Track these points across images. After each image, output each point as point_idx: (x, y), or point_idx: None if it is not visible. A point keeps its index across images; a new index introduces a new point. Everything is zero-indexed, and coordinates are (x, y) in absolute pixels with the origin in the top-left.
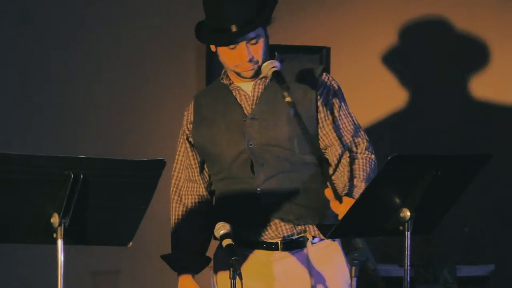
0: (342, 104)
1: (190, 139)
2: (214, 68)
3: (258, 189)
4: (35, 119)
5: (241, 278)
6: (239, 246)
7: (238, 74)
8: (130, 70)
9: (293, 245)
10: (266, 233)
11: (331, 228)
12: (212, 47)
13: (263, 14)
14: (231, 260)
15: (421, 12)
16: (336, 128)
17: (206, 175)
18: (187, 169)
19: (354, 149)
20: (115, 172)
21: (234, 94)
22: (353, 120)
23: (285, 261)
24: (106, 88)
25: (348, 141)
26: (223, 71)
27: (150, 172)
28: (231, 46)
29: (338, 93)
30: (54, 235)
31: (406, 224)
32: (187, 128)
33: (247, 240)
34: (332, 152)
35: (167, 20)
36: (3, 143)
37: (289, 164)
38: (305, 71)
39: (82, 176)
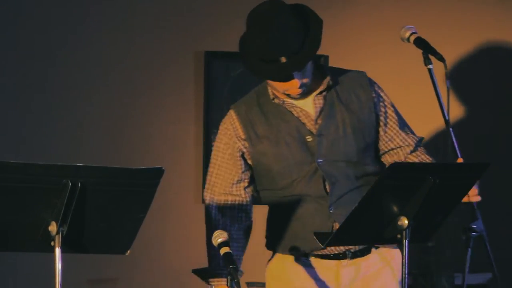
0: (394, 106)
1: (247, 155)
2: (212, 75)
3: (331, 207)
4: (33, 127)
5: (239, 287)
6: (306, 256)
7: (287, 95)
8: (128, 78)
9: (359, 253)
10: (337, 248)
11: (329, 236)
12: None
13: (312, 44)
14: (229, 268)
15: (420, 20)
16: (401, 130)
17: (252, 189)
18: (229, 183)
19: (420, 147)
20: (113, 181)
21: (290, 111)
22: (403, 119)
23: (351, 268)
24: (103, 96)
25: (413, 139)
26: (270, 91)
27: (148, 180)
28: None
29: (387, 96)
30: (52, 243)
31: (404, 232)
32: (242, 144)
33: (313, 254)
34: (402, 153)
35: (165, 28)
36: (0, 152)
37: (357, 178)
38: (353, 78)
39: (80, 185)
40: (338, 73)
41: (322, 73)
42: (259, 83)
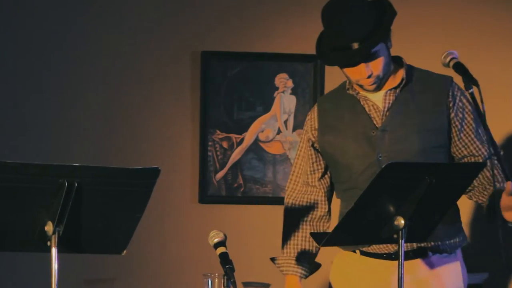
0: (475, 114)
1: (316, 145)
2: (209, 75)
3: None
4: (29, 127)
5: (235, 287)
6: (360, 256)
7: (361, 87)
8: (125, 77)
9: (411, 254)
10: (388, 246)
11: (325, 236)
12: None
13: (381, 29)
14: (225, 268)
15: (417, 19)
16: (476, 139)
17: (328, 180)
18: (307, 174)
19: (493, 158)
20: (109, 180)
21: (362, 103)
22: (483, 131)
23: (404, 269)
24: (100, 96)
25: (487, 151)
26: (347, 81)
27: (144, 180)
28: (343, 68)
29: (469, 104)
30: (48, 243)
31: (400, 232)
32: (312, 135)
33: (366, 252)
34: None
35: (162, 27)
36: None
37: None
38: (434, 81)
39: (76, 184)
40: (420, 73)
41: (400, 71)
42: (256, 83)
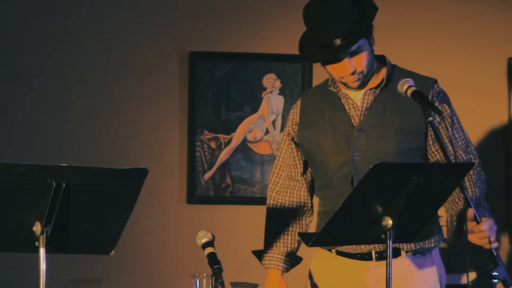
0: (454, 118)
1: (296, 139)
2: (197, 75)
3: None
4: (17, 128)
5: (223, 287)
6: (336, 256)
7: (345, 84)
8: (112, 79)
9: (385, 254)
10: (361, 246)
11: (313, 237)
12: None
13: (362, 25)
14: (213, 268)
15: (404, 18)
16: (449, 144)
17: (309, 175)
18: (290, 168)
19: None
20: (97, 181)
21: (342, 102)
22: (464, 135)
23: (377, 269)
24: (88, 97)
25: (460, 157)
26: (330, 78)
27: (132, 180)
28: (324, 65)
29: (449, 107)
30: (36, 243)
31: (388, 232)
32: (292, 129)
33: (341, 252)
34: None
35: (150, 28)
36: None
37: None
38: (415, 82)
39: (64, 185)
40: (403, 73)
41: (382, 70)
42: (244, 84)
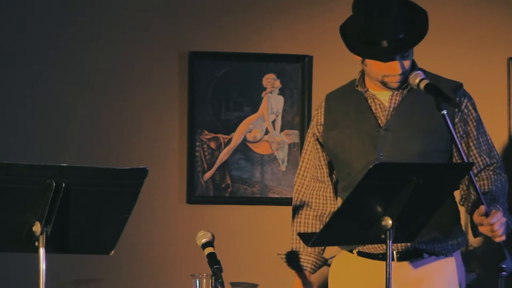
0: (479, 122)
1: (320, 140)
2: (196, 75)
3: None
4: (17, 128)
5: (223, 287)
6: (357, 257)
7: (384, 83)
8: (112, 78)
9: (408, 255)
10: (384, 246)
11: (313, 236)
12: (357, 56)
13: (419, 30)
14: (213, 268)
15: None
16: (473, 147)
17: (334, 177)
18: (316, 169)
19: (488, 168)
20: (97, 181)
21: (369, 102)
22: (487, 140)
23: (399, 270)
24: (88, 97)
25: (483, 161)
26: (358, 78)
27: (132, 180)
28: (385, 61)
29: (475, 112)
30: (36, 243)
31: (388, 232)
32: (317, 129)
33: (362, 253)
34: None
35: (150, 28)
36: None
37: None
38: (442, 85)
39: (64, 185)
40: (431, 77)
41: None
42: (244, 84)
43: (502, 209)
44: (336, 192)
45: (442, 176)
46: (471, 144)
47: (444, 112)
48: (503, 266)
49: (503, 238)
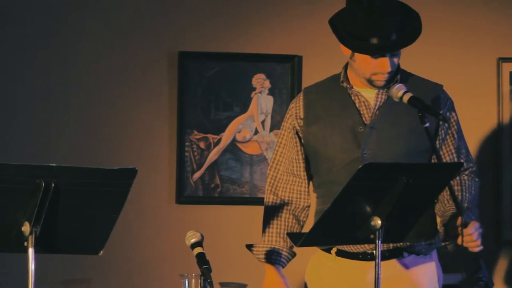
0: (459, 125)
1: (300, 134)
2: (186, 76)
3: None
4: (6, 128)
5: (212, 287)
6: (336, 257)
7: (370, 81)
8: (102, 79)
9: (387, 254)
10: (364, 246)
11: (301, 236)
12: (346, 51)
13: (412, 32)
14: (202, 268)
15: None
16: (454, 150)
17: (310, 172)
18: (292, 162)
19: (464, 171)
20: (86, 181)
21: (353, 98)
22: (465, 143)
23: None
24: (78, 97)
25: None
26: (342, 74)
27: (121, 180)
28: (376, 57)
29: (456, 115)
30: (25, 243)
31: (377, 232)
32: (297, 123)
33: (341, 252)
34: None
35: (139, 28)
36: None
37: None
38: (426, 87)
39: (53, 185)
40: (413, 78)
41: (396, 73)
42: (234, 84)
43: (475, 218)
44: (309, 187)
45: (432, 176)
46: (452, 147)
47: (427, 125)
48: (480, 276)
49: (481, 248)
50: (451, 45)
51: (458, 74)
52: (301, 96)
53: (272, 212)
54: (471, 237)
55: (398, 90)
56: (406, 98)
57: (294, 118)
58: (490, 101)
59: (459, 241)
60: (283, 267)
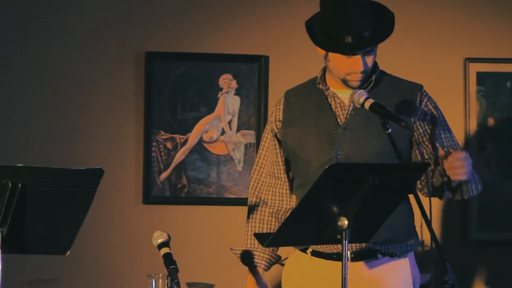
0: (442, 120)
1: (279, 136)
2: (153, 76)
3: None
4: None
5: (179, 287)
6: (311, 257)
7: (345, 81)
8: (68, 79)
9: (362, 256)
10: (338, 246)
11: (269, 237)
12: (321, 51)
13: (385, 30)
14: (169, 268)
15: None
16: (436, 145)
17: (291, 174)
18: (273, 165)
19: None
20: (53, 181)
21: (329, 100)
22: (452, 138)
23: (354, 270)
24: (44, 97)
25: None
26: (319, 76)
27: (88, 180)
28: (349, 55)
29: (436, 110)
30: None
31: (344, 232)
32: (276, 126)
33: (316, 252)
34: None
35: (106, 28)
36: None
37: None
38: (402, 87)
39: (20, 185)
40: (391, 78)
41: (372, 74)
42: (200, 84)
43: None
44: (291, 189)
45: (399, 176)
46: (433, 142)
47: (389, 131)
48: (446, 279)
49: (464, 177)
50: (419, 45)
51: (425, 74)
52: (282, 99)
53: (254, 215)
54: (451, 163)
55: (360, 97)
56: (367, 105)
57: (273, 121)
58: (457, 101)
59: (445, 167)
60: (266, 270)
